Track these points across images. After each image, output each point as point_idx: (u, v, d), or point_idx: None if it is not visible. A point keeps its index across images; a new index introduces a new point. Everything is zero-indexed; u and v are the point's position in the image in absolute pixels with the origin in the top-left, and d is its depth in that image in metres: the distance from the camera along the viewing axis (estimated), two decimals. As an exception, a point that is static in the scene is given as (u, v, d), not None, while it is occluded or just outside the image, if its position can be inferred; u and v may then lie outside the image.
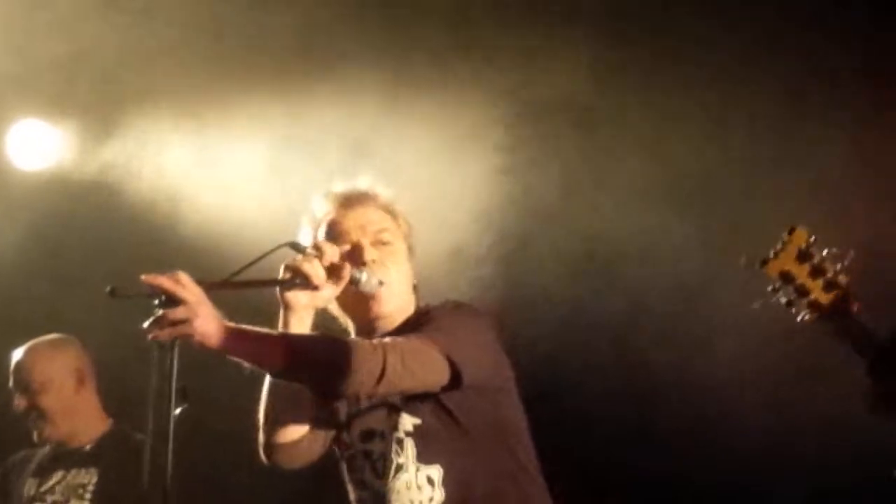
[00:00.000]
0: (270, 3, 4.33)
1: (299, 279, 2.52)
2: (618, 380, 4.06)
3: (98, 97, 4.50)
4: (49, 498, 3.62)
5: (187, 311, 2.26)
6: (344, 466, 2.69)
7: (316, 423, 2.65)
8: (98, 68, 4.40)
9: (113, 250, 4.27)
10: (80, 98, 4.52)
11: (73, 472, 3.66)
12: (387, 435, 2.56)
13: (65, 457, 3.70)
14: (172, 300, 2.32)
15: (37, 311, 4.35)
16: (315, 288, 2.53)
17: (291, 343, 2.38)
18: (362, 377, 2.34)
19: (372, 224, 2.68)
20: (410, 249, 2.73)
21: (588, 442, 3.99)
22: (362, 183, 2.77)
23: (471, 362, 2.45)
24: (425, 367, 2.41)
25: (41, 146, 4.60)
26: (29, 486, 3.68)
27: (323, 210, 2.74)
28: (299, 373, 2.40)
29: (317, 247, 2.57)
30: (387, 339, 2.44)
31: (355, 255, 2.61)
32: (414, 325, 2.55)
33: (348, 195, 2.74)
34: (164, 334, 2.28)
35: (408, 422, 2.54)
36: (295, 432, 2.62)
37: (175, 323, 2.26)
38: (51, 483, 3.66)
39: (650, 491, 3.94)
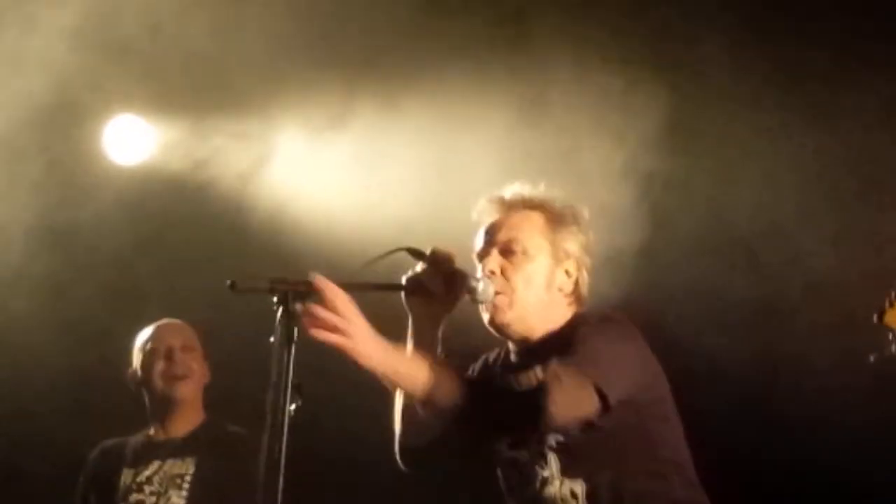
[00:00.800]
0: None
1: (418, 285, 2.56)
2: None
3: (197, 95, 4.57)
4: (147, 488, 3.67)
5: (350, 327, 2.29)
6: (499, 471, 2.71)
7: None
8: (200, 65, 4.47)
9: (209, 246, 4.34)
10: (179, 95, 4.59)
11: (170, 462, 3.71)
12: (532, 446, 2.58)
13: (160, 447, 3.76)
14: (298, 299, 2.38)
15: (138, 302, 4.42)
16: (432, 296, 2.56)
17: (432, 392, 2.35)
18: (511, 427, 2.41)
19: (505, 232, 2.67)
20: (565, 259, 2.68)
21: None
22: (522, 188, 2.74)
23: (618, 387, 2.42)
24: (577, 409, 2.39)
25: (138, 142, 4.69)
26: (125, 476, 3.72)
27: (478, 215, 2.75)
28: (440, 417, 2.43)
29: (434, 254, 2.57)
30: (537, 375, 2.37)
31: (482, 265, 2.64)
32: (560, 339, 2.54)
33: (498, 201, 2.73)
34: (322, 336, 2.30)
35: (552, 437, 2.55)
36: (435, 435, 2.60)
37: (334, 330, 2.29)
38: (147, 473, 3.71)
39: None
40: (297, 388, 2.45)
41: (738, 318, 4.01)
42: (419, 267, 2.59)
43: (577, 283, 2.70)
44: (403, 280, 2.59)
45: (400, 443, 2.69)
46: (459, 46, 4.34)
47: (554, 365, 2.36)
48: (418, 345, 2.59)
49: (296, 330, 2.44)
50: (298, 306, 2.44)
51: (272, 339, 2.45)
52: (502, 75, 4.24)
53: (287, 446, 2.41)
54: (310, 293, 2.44)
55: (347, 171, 4.46)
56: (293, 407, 2.45)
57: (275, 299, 2.42)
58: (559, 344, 2.50)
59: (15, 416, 4.67)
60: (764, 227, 4.06)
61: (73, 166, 4.63)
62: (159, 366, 3.71)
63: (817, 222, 3.97)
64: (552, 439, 2.55)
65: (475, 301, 2.65)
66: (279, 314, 2.44)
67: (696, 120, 4.13)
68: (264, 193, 4.54)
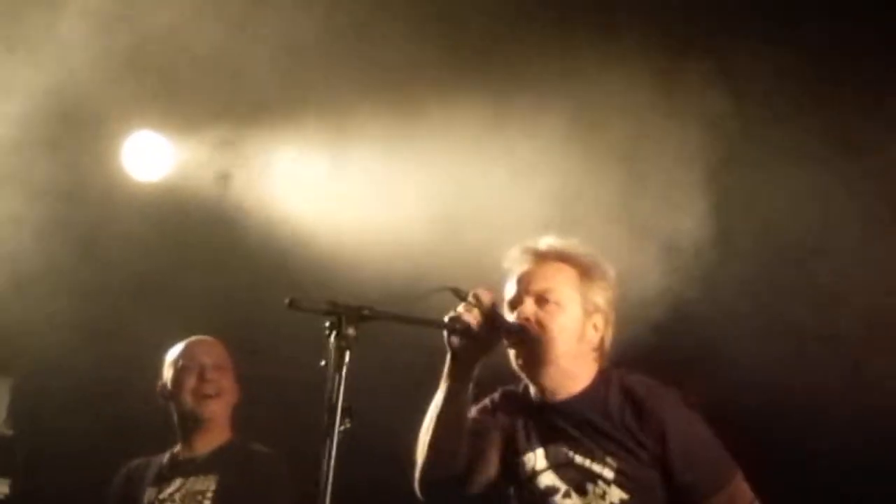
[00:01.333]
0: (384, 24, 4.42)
1: (459, 325, 2.61)
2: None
3: (215, 110, 4.60)
4: (170, 504, 3.68)
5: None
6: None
7: (494, 467, 2.75)
8: (215, 82, 4.50)
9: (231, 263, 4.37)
10: (197, 110, 4.62)
11: (192, 479, 3.71)
12: (572, 494, 2.67)
13: (183, 465, 3.76)
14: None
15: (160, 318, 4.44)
16: (473, 336, 2.61)
17: None
18: None
19: (540, 283, 2.76)
20: (594, 314, 2.79)
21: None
22: (557, 240, 2.85)
23: None
24: None
25: (156, 157, 4.71)
26: (149, 495, 3.73)
27: (511, 263, 2.84)
28: None
29: (476, 296, 2.63)
30: None
31: (517, 312, 2.73)
32: (600, 400, 2.73)
33: (532, 251, 2.82)
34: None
35: (615, 495, 2.63)
36: (461, 468, 2.70)
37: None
38: (170, 490, 3.71)
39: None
40: (348, 411, 2.50)
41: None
42: (461, 307, 2.63)
43: (602, 338, 2.79)
44: (446, 319, 2.63)
45: (423, 472, 2.73)
46: (481, 70, 4.38)
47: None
48: (453, 383, 2.66)
49: (347, 353, 2.50)
50: (351, 330, 2.50)
51: (323, 363, 2.51)
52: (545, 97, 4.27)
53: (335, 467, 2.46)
54: (364, 318, 2.51)
55: (363, 190, 4.50)
56: (342, 429, 2.51)
57: (327, 323, 2.48)
58: (600, 404, 2.70)
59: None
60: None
61: (94, 180, 4.65)
62: (190, 383, 3.71)
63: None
64: (616, 496, 2.67)
65: (512, 345, 2.71)
66: (333, 337, 2.50)
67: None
68: (275, 208, 4.58)
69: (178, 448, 3.80)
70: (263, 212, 4.60)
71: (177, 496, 3.69)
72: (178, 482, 3.72)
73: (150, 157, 4.73)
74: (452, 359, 2.64)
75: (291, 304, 2.46)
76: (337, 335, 2.47)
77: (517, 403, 2.84)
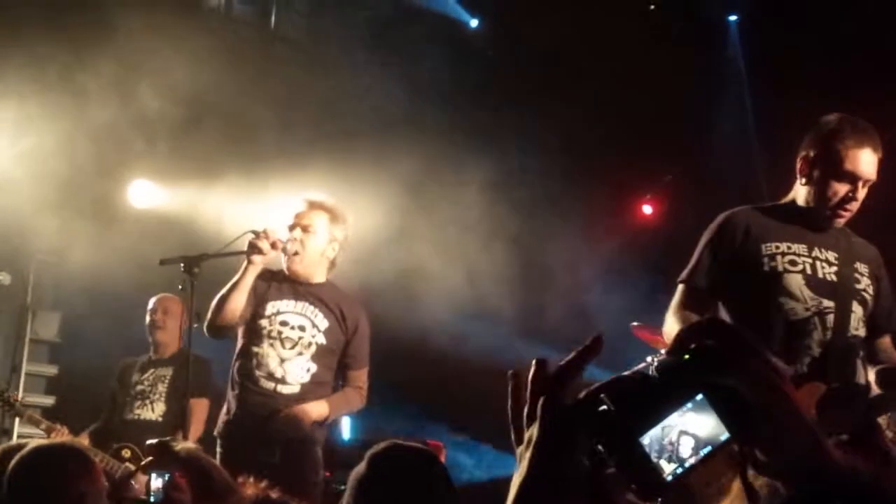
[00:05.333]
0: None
1: (256, 249, 5.31)
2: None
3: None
4: (146, 382, 6.84)
5: None
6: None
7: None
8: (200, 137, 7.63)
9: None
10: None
11: (161, 369, 6.88)
12: (297, 329, 5.74)
13: (156, 361, 6.93)
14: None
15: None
16: (264, 253, 5.30)
17: None
18: None
19: (306, 218, 5.45)
20: (334, 241, 5.48)
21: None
22: (324, 196, 5.55)
23: None
24: None
25: (151, 198, 7.91)
26: (135, 378, 6.91)
27: (296, 209, 5.53)
28: None
29: (265, 231, 5.32)
30: None
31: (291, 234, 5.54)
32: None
33: (308, 201, 5.51)
34: None
35: (318, 339, 5.73)
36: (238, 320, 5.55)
37: None
38: (146, 375, 6.88)
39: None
40: (197, 316, 5.55)
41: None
42: (256, 238, 5.35)
43: (335, 258, 5.67)
44: (247, 246, 5.37)
45: (212, 320, 5.69)
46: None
47: None
48: (244, 275, 5.36)
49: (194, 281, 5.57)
50: (196, 269, 5.56)
51: (180, 287, 5.54)
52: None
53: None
54: (202, 259, 5.51)
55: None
56: (196, 326, 5.56)
57: (182, 266, 5.52)
58: (327, 291, 5.63)
59: None
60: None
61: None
62: (151, 320, 6.96)
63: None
64: None
65: (286, 255, 5.55)
66: (187, 273, 5.52)
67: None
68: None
69: (151, 353, 6.98)
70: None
71: (150, 378, 6.86)
72: (151, 370, 6.90)
73: (146, 198, 7.93)
74: (249, 263, 5.32)
75: (162, 262, 5.57)
76: (189, 271, 5.53)
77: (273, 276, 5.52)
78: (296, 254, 5.41)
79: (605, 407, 1.25)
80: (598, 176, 8.27)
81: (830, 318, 3.80)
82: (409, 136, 7.33)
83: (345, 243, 5.60)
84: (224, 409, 5.53)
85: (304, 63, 7.96)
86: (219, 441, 5.47)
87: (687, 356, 1.27)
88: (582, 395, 1.28)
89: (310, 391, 5.37)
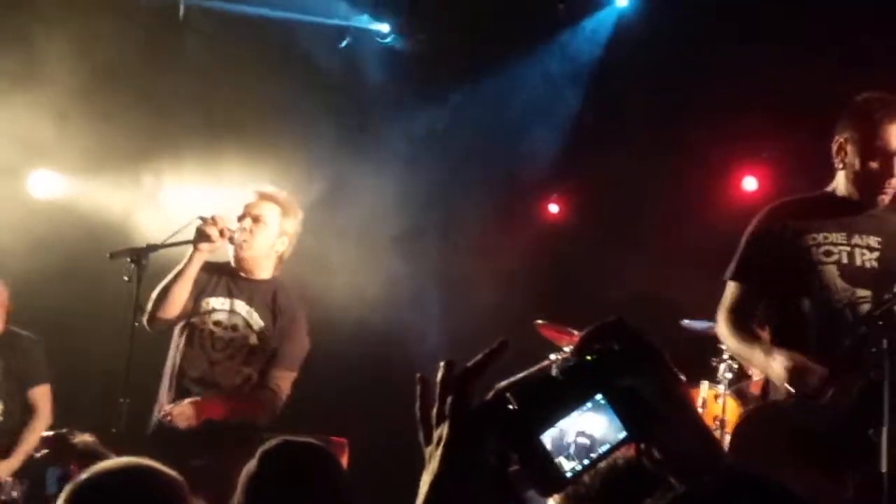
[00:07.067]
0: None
1: (204, 236, 5.02)
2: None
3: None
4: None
5: None
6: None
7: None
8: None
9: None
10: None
11: None
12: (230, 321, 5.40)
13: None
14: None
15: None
16: (212, 240, 5.02)
17: None
18: None
19: (256, 208, 5.16)
20: (284, 234, 5.22)
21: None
22: (275, 189, 5.31)
23: None
24: None
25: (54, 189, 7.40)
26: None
27: (246, 200, 5.22)
28: None
29: (213, 218, 5.06)
30: None
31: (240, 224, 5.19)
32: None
33: (259, 192, 5.24)
34: None
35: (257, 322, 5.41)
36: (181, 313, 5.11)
37: None
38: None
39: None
40: (142, 308, 5.08)
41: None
42: (204, 225, 5.07)
43: (284, 252, 5.34)
44: (195, 234, 5.07)
45: (152, 312, 5.14)
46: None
47: None
48: (190, 262, 5.04)
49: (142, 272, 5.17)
50: (144, 261, 5.16)
51: (126, 279, 5.11)
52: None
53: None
54: (150, 250, 5.13)
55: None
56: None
57: (128, 259, 5.11)
58: (272, 286, 5.37)
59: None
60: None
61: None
62: None
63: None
64: None
65: (233, 244, 5.18)
66: (134, 264, 5.12)
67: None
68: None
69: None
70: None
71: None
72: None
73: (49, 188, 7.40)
74: (195, 251, 4.97)
75: (111, 256, 5.16)
76: (136, 263, 5.12)
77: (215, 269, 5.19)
78: (244, 241, 5.16)
79: (510, 406, 1.33)
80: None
81: (864, 308, 3.75)
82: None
83: (294, 239, 5.33)
84: (156, 409, 5.17)
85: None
86: (150, 441, 5.06)
87: (589, 357, 1.35)
88: (490, 394, 1.35)
89: (244, 395, 5.13)
